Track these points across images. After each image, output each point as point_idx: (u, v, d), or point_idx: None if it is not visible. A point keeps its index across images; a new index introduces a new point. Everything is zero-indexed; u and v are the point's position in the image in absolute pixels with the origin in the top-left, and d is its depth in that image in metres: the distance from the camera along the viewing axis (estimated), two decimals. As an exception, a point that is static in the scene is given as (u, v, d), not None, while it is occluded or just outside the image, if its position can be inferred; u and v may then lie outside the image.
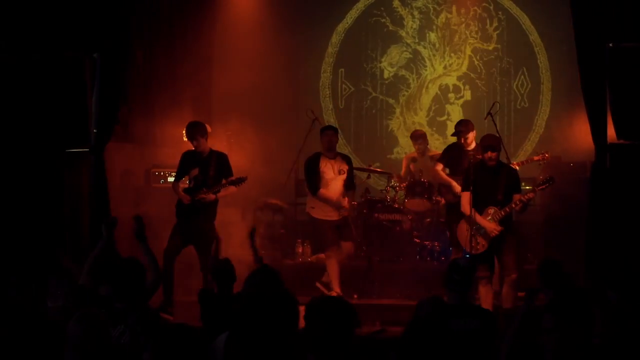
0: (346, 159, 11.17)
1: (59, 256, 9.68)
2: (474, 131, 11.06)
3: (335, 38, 16.14)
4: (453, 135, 11.23)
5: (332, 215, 10.98)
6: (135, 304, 6.17)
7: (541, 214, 12.25)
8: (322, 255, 11.96)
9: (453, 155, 11.15)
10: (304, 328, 4.72)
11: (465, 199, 9.89)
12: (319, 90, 16.21)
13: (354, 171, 13.05)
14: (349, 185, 11.13)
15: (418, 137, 13.40)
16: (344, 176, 10.99)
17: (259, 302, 4.89)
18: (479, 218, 9.68)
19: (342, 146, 15.86)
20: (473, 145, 10.94)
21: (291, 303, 4.95)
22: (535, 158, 11.91)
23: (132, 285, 6.27)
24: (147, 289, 6.61)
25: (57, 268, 8.02)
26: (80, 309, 5.59)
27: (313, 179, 10.98)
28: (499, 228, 9.62)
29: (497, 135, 10.52)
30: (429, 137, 14.37)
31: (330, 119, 15.98)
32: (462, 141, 10.93)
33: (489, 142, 9.82)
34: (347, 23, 16.14)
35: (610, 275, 8.21)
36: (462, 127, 11.03)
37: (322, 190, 10.89)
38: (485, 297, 9.52)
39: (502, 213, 9.56)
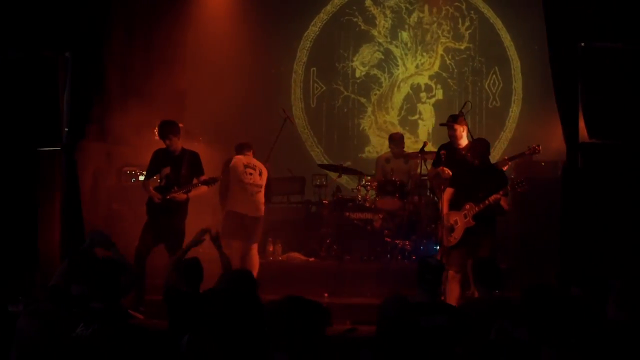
0: None
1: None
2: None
3: (308, 37, 16.13)
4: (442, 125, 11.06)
5: None
6: (109, 304, 6.14)
7: (514, 214, 12.28)
8: (293, 254, 11.94)
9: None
10: (272, 327, 4.71)
11: (447, 195, 10.03)
12: (290, 89, 16.20)
13: (326, 170, 13.21)
14: None
15: (402, 140, 13.03)
16: None
17: (227, 303, 4.88)
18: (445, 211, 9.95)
19: (313, 145, 15.89)
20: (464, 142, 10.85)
21: (258, 307, 4.94)
22: (527, 152, 11.42)
23: (109, 285, 6.24)
24: (121, 290, 6.58)
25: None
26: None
27: None
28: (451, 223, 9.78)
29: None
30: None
31: (301, 118, 15.99)
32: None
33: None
34: (320, 22, 16.13)
35: (579, 273, 8.20)
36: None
37: None
38: (451, 293, 9.55)
39: (476, 209, 9.62)
